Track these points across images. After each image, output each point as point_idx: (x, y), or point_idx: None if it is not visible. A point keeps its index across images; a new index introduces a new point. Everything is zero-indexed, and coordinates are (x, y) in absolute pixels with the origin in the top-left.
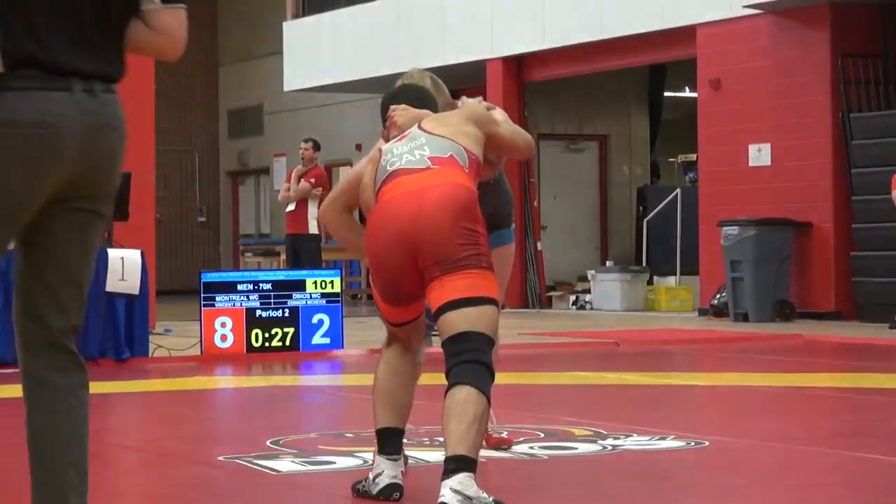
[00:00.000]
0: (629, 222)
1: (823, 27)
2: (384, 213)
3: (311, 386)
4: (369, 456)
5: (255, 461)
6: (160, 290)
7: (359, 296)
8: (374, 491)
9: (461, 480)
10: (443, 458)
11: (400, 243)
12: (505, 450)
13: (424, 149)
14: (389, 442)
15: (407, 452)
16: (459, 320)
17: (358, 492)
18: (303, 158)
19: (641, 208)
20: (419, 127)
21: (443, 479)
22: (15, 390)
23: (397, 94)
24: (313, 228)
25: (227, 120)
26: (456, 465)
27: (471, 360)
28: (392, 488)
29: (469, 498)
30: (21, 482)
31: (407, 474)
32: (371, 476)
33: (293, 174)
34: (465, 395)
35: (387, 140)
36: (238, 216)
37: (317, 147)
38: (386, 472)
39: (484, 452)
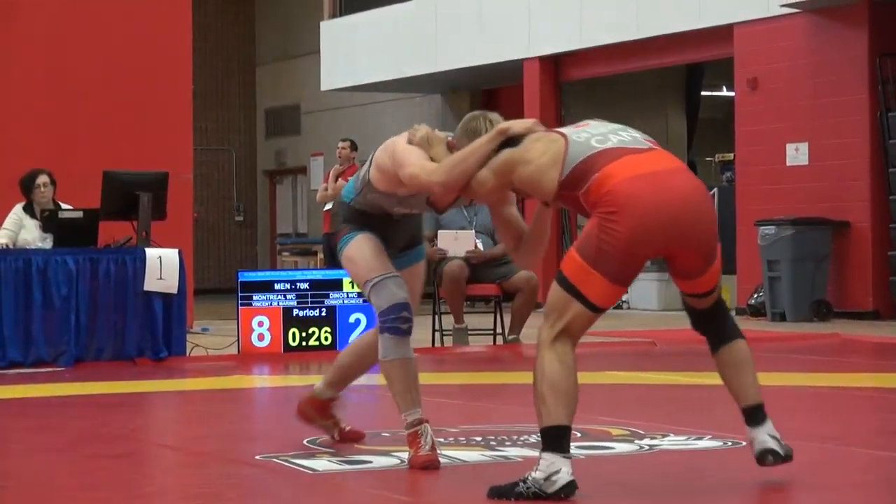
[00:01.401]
0: None
1: (861, 26)
2: (648, 194)
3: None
4: (406, 455)
5: (293, 460)
6: (198, 289)
7: None
8: (551, 490)
9: (772, 425)
10: (741, 408)
11: (671, 227)
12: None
13: (628, 131)
14: (565, 439)
15: (444, 451)
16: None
17: (520, 495)
18: (339, 158)
19: None
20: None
21: (754, 426)
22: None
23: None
24: None
25: (265, 119)
26: (762, 412)
27: (733, 323)
28: (573, 486)
29: (779, 440)
30: (60, 480)
31: (448, 473)
32: (540, 476)
33: (331, 173)
34: (744, 347)
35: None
36: (275, 215)
37: (354, 147)
38: (564, 470)
39: (520, 452)
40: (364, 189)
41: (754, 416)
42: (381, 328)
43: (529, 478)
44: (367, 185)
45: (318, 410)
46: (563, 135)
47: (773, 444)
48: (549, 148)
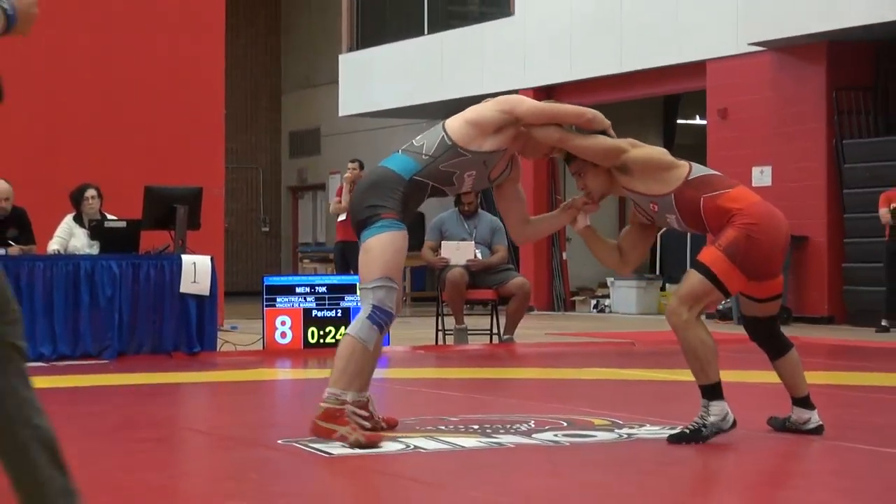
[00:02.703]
0: None
1: (820, 63)
2: (776, 214)
3: None
4: (413, 441)
5: (311, 444)
6: (227, 291)
7: (403, 298)
8: (727, 427)
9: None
10: (793, 398)
11: (786, 238)
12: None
13: None
14: (721, 389)
15: (444, 438)
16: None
17: (706, 437)
18: (349, 177)
19: None
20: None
21: (811, 409)
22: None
23: None
24: None
25: (289, 141)
26: (810, 400)
27: (784, 336)
28: (736, 422)
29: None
30: (104, 461)
31: (448, 457)
32: (716, 419)
33: (344, 187)
34: (796, 353)
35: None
36: (297, 226)
37: (361, 167)
38: (729, 412)
39: (512, 439)
40: (444, 155)
41: (807, 402)
42: (370, 316)
43: (708, 422)
44: (451, 148)
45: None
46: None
47: (820, 421)
48: (672, 156)
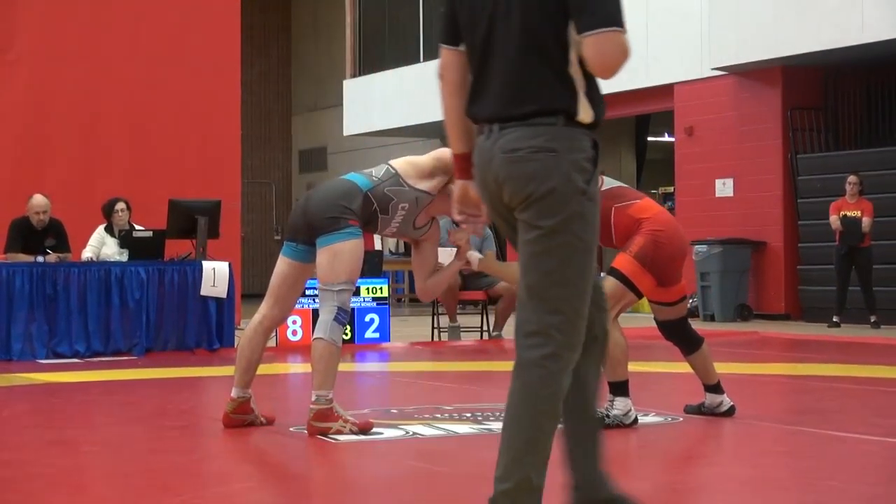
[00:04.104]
0: None
1: (776, 85)
2: (677, 224)
3: (364, 371)
4: (412, 428)
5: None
6: (244, 293)
7: (402, 299)
8: (628, 422)
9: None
10: (706, 386)
11: (685, 244)
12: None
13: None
14: (627, 387)
15: (440, 425)
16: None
17: (606, 426)
18: None
19: None
20: None
21: (721, 394)
22: (110, 374)
23: None
24: (377, 245)
25: (299, 158)
26: (721, 386)
27: (694, 331)
28: (637, 419)
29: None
30: (135, 445)
31: (444, 442)
32: (619, 413)
33: None
34: (706, 346)
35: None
36: None
37: None
38: (632, 409)
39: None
40: (389, 181)
41: (718, 388)
42: (336, 318)
43: (611, 414)
44: (393, 177)
45: (247, 410)
46: None
47: (732, 403)
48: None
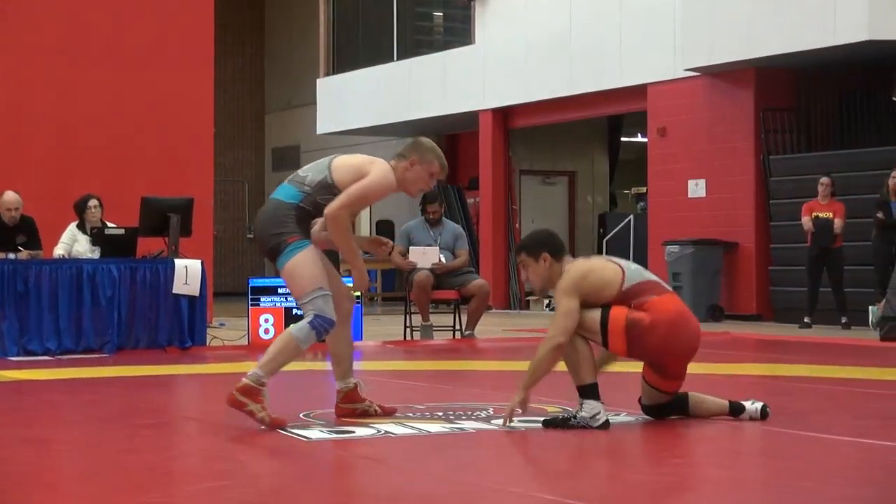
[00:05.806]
0: (592, 242)
1: (748, 87)
2: (689, 318)
3: None
4: (383, 426)
5: (291, 430)
6: (216, 291)
7: (374, 298)
8: (595, 425)
9: None
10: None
11: (696, 341)
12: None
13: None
14: (597, 390)
15: (412, 424)
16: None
17: (572, 427)
18: None
19: (602, 231)
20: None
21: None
22: (81, 372)
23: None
24: None
25: (271, 157)
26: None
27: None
28: (608, 423)
29: None
30: (106, 445)
31: (415, 441)
32: (587, 415)
33: None
34: (695, 395)
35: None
36: None
37: None
38: (603, 410)
39: (474, 425)
40: (322, 191)
41: (738, 408)
42: (311, 324)
43: (578, 416)
44: (328, 187)
45: (354, 398)
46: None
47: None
48: (616, 270)
